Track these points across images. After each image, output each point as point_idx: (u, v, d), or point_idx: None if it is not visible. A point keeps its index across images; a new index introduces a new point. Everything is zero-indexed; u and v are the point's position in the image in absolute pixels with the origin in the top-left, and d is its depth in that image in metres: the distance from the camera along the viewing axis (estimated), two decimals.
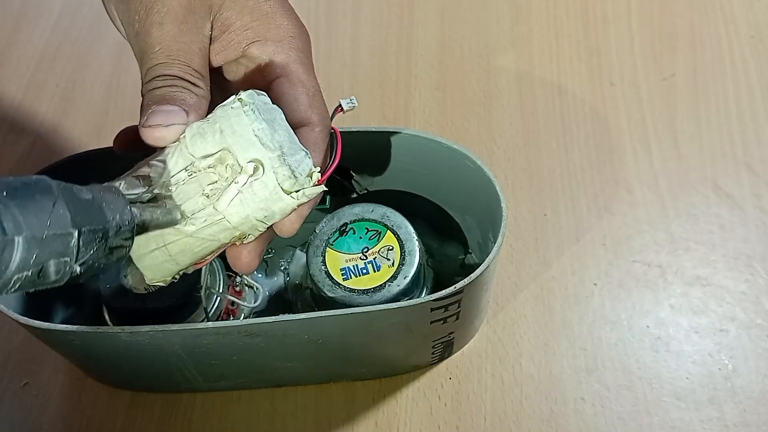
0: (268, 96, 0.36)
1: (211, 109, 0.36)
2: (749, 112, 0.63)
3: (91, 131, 0.65)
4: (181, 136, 0.35)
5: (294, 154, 0.35)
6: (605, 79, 0.66)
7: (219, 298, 0.49)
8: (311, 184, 0.35)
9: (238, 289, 0.52)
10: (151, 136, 0.35)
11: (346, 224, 0.48)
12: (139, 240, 0.35)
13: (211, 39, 0.38)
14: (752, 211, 0.58)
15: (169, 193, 0.34)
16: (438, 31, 0.70)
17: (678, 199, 0.59)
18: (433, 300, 0.42)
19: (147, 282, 0.37)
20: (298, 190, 0.35)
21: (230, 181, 0.34)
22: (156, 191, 0.34)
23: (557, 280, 0.56)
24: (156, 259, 0.36)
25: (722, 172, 0.60)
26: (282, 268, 0.54)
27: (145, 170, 0.35)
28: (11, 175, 0.66)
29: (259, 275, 0.54)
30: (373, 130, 0.48)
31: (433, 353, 0.51)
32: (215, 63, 0.39)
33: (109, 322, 0.50)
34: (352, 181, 0.53)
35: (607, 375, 0.52)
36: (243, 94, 0.35)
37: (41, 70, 0.69)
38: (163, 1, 0.36)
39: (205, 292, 0.48)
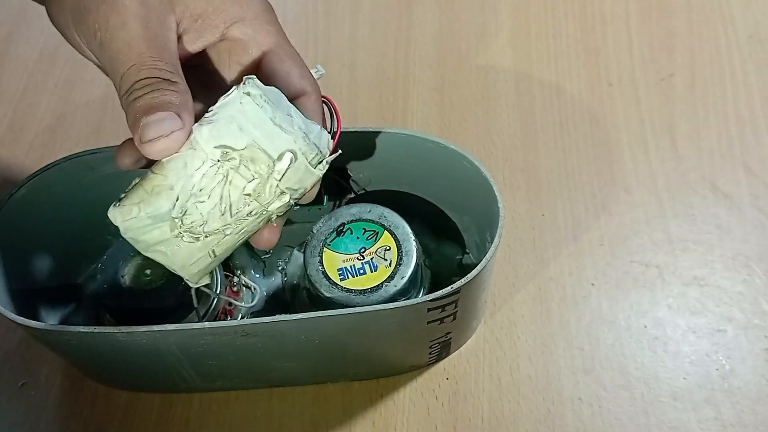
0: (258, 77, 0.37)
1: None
2: (747, 112, 0.63)
3: (90, 131, 0.65)
4: (193, 142, 0.34)
5: (312, 131, 0.36)
6: (603, 79, 0.66)
7: (216, 299, 0.49)
8: (328, 153, 0.37)
9: (235, 289, 0.52)
10: (154, 150, 0.33)
11: (343, 224, 0.48)
12: (180, 253, 0.36)
13: (181, 31, 0.37)
14: (750, 212, 0.58)
15: (203, 201, 0.34)
16: (436, 31, 0.70)
17: (676, 200, 0.59)
18: (430, 300, 0.42)
19: (193, 286, 0.39)
20: (321, 161, 0.36)
21: (267, 175, 0.35)
22: (183, 202, 0.34)
23: (555, 280, 0.56)
24: (202, 263, 0.37)
25: (720, 173, 0.60)
26: (279, 268, 0.54)
27: (161, 183, 0.34)
28: (8, 173, 0.65)
29: (257, 275, 0.54)
30: (371, 130, 0.48)
31: (430, 353, 0.51)
32: (193, 50, 0.38)
33: (106, 323, 0.50)
34: (350, 181, 0.53)
35: (604, 375, 0.52)
36: (249, 87, 0.35)
37: (40, 70, 0.69)
38: (122, 2, 0.35)
39: (198, 291, 0.48)
